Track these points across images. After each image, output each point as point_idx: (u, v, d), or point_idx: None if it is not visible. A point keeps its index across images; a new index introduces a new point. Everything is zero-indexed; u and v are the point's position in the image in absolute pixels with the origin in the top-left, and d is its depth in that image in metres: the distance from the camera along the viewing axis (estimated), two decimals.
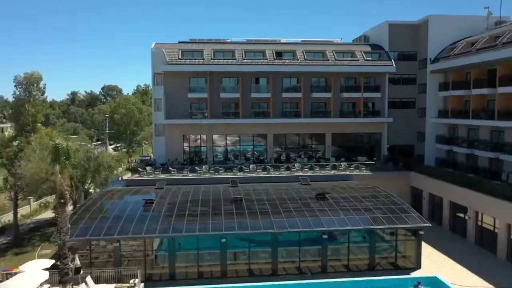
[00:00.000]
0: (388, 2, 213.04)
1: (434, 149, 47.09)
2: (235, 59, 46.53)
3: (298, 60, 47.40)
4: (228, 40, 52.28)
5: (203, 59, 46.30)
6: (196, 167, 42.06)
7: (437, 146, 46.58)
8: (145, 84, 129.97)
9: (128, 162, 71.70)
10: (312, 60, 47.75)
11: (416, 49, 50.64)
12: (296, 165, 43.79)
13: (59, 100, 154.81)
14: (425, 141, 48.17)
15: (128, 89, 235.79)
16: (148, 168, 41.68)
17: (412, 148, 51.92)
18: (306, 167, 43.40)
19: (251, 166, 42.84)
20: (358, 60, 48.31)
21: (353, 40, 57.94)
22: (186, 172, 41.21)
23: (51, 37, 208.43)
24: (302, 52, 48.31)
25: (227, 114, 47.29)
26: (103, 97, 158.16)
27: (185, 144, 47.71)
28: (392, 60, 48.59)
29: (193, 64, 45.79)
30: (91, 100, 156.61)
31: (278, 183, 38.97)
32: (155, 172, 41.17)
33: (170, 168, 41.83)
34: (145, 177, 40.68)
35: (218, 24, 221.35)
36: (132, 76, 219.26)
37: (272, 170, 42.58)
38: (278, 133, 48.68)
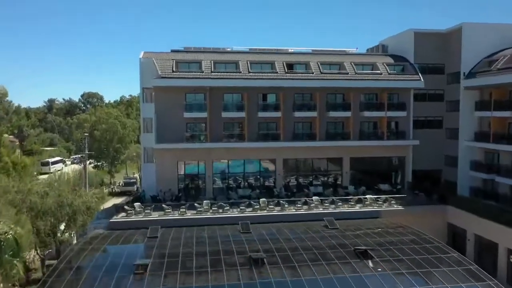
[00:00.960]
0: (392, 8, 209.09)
1: (469, 177, 40.80)
2: (240, 72, 39.44)
3: (313, 73, 40.59)
4: (228, 49, 45.23)
5: (202, 71, 39.05)
6: (196, 203, 34.64)
7: (472, 173, 40.34)
8: (130, 95, 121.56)
9: (110, 183, 63.83)
10: (329, 73, 40.99)
11: (443, 61, 44.50)
12: (314, 198, 36.81)
13: (35, 107, 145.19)
14: (458, 167, 41.88)
15: (110, 97, 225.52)
16: (136, 205, 34.09)
17: (439, 173, 45.67)
18: (326, 201, 36.43)
19: (261, 200, 35.66)
20: (381, 74, 41.79)
21: (367, 50, 51.57)
22: (183, 209, 33.82)
23: (29, 39, 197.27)
24: (317, 64, 41.52)
25: (229, 136, 40.06)
26: (82, 105, 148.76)
27: (180, 172, 40.27)
28: (420, 74, 42.22)
29: (190, 78, 38.48)
30: (70, 108, 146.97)
31: (296, 223, 32.19)
32: (146, 211, 33.62)
33: (163, 205, 34.31)
34: (133, 218, 33.10)
35: (213, 30, 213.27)
36: (115, 83, 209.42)
37: (286, 205, 35.49)
38: (289, 157, 41.76)
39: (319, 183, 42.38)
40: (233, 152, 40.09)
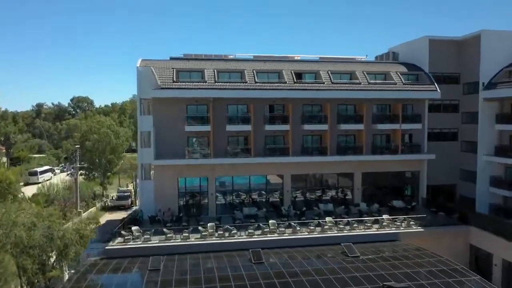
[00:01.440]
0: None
1: (488, 193, 38.40)
2: (246, 82, 36.54)
3: (323, 83, 37.85)
4: (231, 57, 42.34)
5: (205, 81, 36.08)
6: (200, 227, 31.59)
7: (492, 190, 37.96)
8: (123, 103, 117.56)
9: (103, 195, 60.38)
10: (340, 83, 38.28)
11: (458, 70, 42.15)
12: (328, 219, 34.00)
13: (23, 112, 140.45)
14: (476, 183, 39.44)
15: (101, 101, 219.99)
16: (134, 229, 30.93)
17: (453, 188, 43.28)
18: (341, 223, 33.63)
19: (270, 222, 32.77)
20: (395, 84, 39.21)
21: (376, 57, 49.06)
22: (186, 233, 30.77)
23: (15, 41, 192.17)
24: (328, 73, 38.81)
25: (234, 151, 37.10)
26: (72, 109, 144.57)
27: (181, 189, 37.23)
28: (436, 84, 39.76)
29: (192, 88, 35.49)
30: (59, 113, 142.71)
31: (310, 248, 29.45)
32: (145, 236, 30.49)
33: (164, 229, 31.22)
34: (131, 244, 29.95)
35: (212, 36, 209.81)
36: (106, 87, 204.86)
37: (298, 227, 32.62)
38: (298, 173, 38.96)
39: (328, 198, 39.73)
40: (238, 167, 37.18)
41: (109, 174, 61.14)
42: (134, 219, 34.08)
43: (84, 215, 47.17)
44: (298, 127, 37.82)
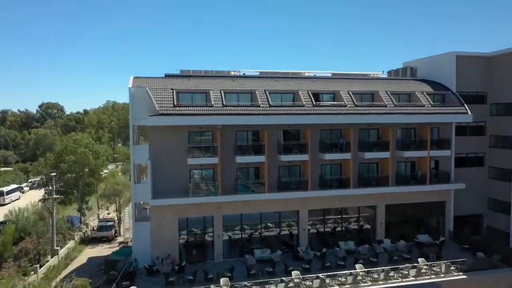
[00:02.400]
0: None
1: None
2: (258, 106, 31.27)
3: (345, 106, 33.05)
4: (233, 73, 37.03)
5: (211, 105, 30.59)
6: (212, 287, 26.06)
7: None
8: (99, 108, 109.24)
9: (81, 222, 53.54)
10: (364, 106, 33.61)
11: (485, 89, 38.30)
12: (358, 266, 29.19)
13: None
14: (511, 215, 35.57)
15: (71, 108, 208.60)
16: None
17: (479, 218, 39.38)
18: (374, 272, 28.85)
19: (294, 273, 27.67)
20: (424, 106, 34.89)
21: (388, 72, 44.76)
22: None
23: None
24: (349, 94, 34.08)
25: (245, 186, 31.79)
26: (40, 117, 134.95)
27: (181, 231, 31.61)
28: (466, 106, 35.71)
29: (197, 114, 29.93)
30: (27, 120, 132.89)
31: None
32: None
33: None
34: None
35: (208, 49, 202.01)
36: (76, 93, 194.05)
37: (327, 279, 27.61)
38: (315, 208, 34.02)
39: (348, 233, 35.06)
40: (248, 204, 31.88)
41: (87, 198, 54.42)
42: (129, 274, 28.19)
43: (62, 252, 40.79)
44: (316, 156, 32.92)
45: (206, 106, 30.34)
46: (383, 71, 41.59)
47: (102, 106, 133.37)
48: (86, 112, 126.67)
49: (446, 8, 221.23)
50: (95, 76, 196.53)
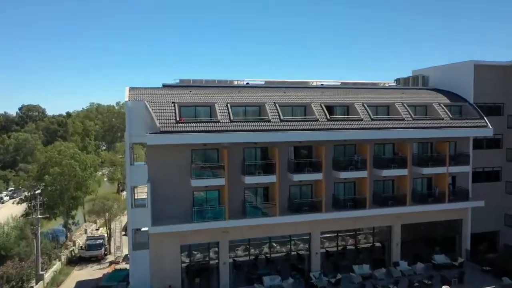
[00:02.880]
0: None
1: None
2: (269, 121, 28.44)
3: (362, 120, 30.49)
4: (236, 82, 34.18)
5: (217, 121, 27.61)
6: None
7: None
8: (82, 111, 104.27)
9: (67, 238, 49.85)
10: (382, 120, 31.11)
11: (502, 100, 36.30)
12: None
13: None
14: None
15: (53, 111, 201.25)
16: None
17: (496, 235, 37.40)
18: None
19: None
20: (442, 119, 32.59)
21: (396, 81, 42.43)
22: None
23: None
24: (364, 106, 31.55)
25: (254, 208, 28.96)
26: (21, 120, 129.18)
27: (184, 259, 28.61)
28: (485, 119, 33.59)
29: (202, 131, 26.92)
30: (6, 123, 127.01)
31: None
32: None
33: None
34: None
35: (204, 58, 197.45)
36: (58, 95, 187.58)
37: None
38: (328, 230, 31.43)
39: (360, 253, 32.59)
40: (257, 228, 29.07)
41: (74, 212, 50.78)
42: None
43: (47, 276, 37.32)
44: (330, 175, 30.31)
45: (211, 122, 27.38)
46: (394, 81, 39.19)
47: (85, 108, 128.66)
48: (69, 115, 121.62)
49: (446, 8, 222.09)
50: (78, 78, 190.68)
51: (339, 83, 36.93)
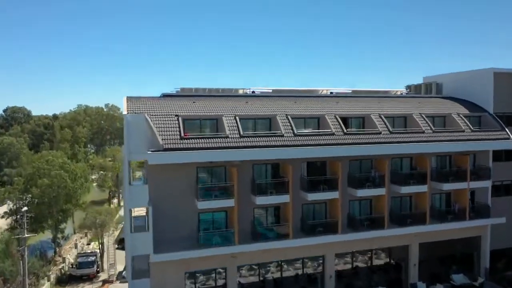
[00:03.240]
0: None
1: None
2: (282, 136, 25.98)
3: (380, 133, 28.23)
4: (241, 91, 31.73)
5: (226, 136, 25.05)
6: None
7: None
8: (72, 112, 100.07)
9: (55, 253, 46.85)
10: (400, 133, 28.91)
11: None
12: None
13: None
14: None
15: (39, 111, 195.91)
16: None
17: None
18: None
19: None
20: (463, 132, 30.51)
21: (407, 88, 40.38)
22: None
23: None
24: (381, 118, 29.30)
25: (265, 231, 26.49)
26: (5, 122, 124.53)
27: (190, 287, 26.03)
28: (507, 130, 31.64)
29: (210, 148, 24.35)
30: None
31: None
32: None
33: None
34: None
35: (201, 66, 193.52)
36: (45, 97, 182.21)
37: None
38: (342, 252, 29.15)
39: (375, 273, 30.39)
40: (268, 253, 26.63)
41: (63, 225, 47.74)
42: None
43: None
44: (345, 192, 28.03)
45: (219, 137, 24.81)
46: (407, 89, 37.10)
47: (73, 110, 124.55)
48: (55, 117, 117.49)
49: (446, 8, 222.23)
50: (70, 78, 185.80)
51: (350, 91, 34.72)
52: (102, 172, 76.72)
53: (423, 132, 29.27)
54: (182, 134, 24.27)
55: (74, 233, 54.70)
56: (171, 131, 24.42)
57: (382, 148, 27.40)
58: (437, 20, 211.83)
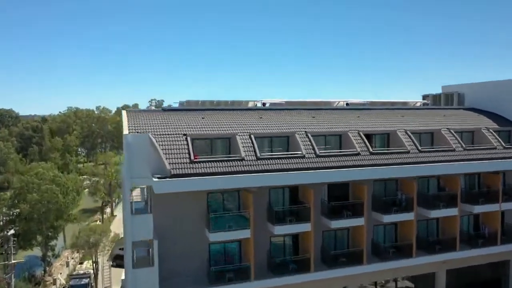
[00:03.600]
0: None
1: None
2: (303, 157, 23.14)
3: (408, 152, 25.55)
4: (251, 104, 29.10)
5: (241, 158, 22.14)
6: None
7: None
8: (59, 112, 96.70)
9: (45, 272, 43.47)
10: (429, 151, 26.26)
11: None
12: None
13: None
14: None
15: (27, 111, 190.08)
16: None
17: None
18: None
19: None
20: (495, 149, 27.96)
21: (425, 97, 37.91)
22: None
23: None
24: (407, 134, 26.64)
25: (283, 265, 23.63)
26: None
27: None
28: None
29: (223, 172, 21.42)
30: None
31: None
32: None
33: None
34: None
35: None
36: (31, 99, 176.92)
37: None
38: (366, 284, 26.44)
39: None
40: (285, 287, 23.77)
41: (53, 242, 44.44)
42: None
43: None
44: (370, 217, 25.30)
45: (234, 160, 21.88)
46: (427, 101, 34.58)
47: (63, 112, 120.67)
48: (44, 120, 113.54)
49: (446, 8, 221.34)
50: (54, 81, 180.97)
51: (366, 102, 32.13)
52: (94, 178, 73.23)
53: (454, 150, 26.66)
54: (192, 157, 21.31)
55: (65, 247, 51.32)
56: (179, 153, 21.47)
57: (413, 169, 24.70)
58: (437, 20, 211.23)
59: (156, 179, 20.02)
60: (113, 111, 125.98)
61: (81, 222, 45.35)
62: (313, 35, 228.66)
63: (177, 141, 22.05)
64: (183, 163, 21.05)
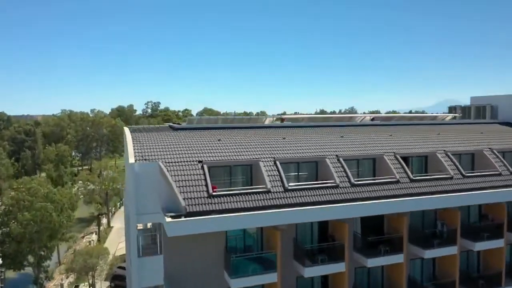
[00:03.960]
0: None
1: None
2: (337, 187, 20.00)
3: (451, 179, 22.50)
4: (267, 121, 25.92)
5: (267, 190, 18.95)
6: None
7: None
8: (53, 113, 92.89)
9: None
10: (474, 177, 23.23)
11: None
12: None
13: None
14: None
15: (19, 110, 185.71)
16: None
17: None
18: None
19: None
20: None
21: (450, 109, 34.95)
22: None
23: None
24: (448, 156, 23.60)
25: None
26: None
27: None
28: None
29: (246, 208, 18.20)
30: None
31: None
32: None
33: None
34: None
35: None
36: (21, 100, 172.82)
37: None
38: None
39: None
40: None
41: (47, 263, 41.01)
42: None
43: None
44: (408, 252, 22.24)
45: (259, 193, 18.70)
46: (459, 114, 31.65)
47: (56, 115, 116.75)
48: (37, 123, 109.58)
49: (446, 8, 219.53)
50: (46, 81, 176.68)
51: (392, 116, 29.15)
52: (89, 187, 69.60)
53: (500, 175, 23.64)
54: (210, 190, 18.09)
55: (59, 263, 47.86)
56: (195, 185, 18.25)
57: (460, 198, 21.64)
58: (437, 20, 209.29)
59: (169, 219, 16.77)
60: (108, 113, 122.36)
61: (76, 241, 41.93)
62: (313, 35, 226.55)
63: (192, 169, 18.83)
64: (200, 197, 17.84)
